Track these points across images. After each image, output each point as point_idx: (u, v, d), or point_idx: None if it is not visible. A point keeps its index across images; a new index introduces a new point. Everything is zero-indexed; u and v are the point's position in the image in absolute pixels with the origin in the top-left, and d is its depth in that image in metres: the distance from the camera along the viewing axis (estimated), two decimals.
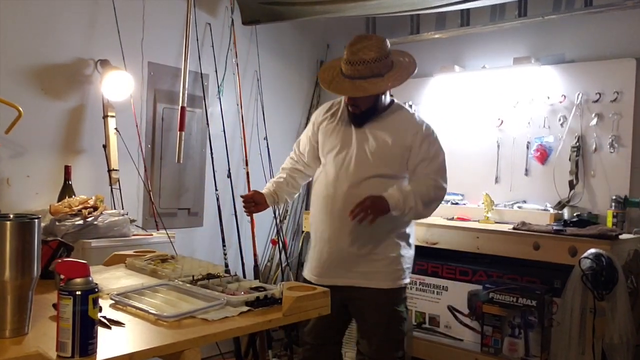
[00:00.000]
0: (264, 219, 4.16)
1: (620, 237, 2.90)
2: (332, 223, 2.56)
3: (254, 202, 2.73)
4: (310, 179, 2.82)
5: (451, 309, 3.45)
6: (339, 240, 2.55)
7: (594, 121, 3.38)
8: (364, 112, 2.52)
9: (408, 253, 2.62)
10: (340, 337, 2.80)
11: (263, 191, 2.77)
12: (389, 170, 2.51)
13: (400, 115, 2.59)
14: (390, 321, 2.57)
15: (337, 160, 2.57)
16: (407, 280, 2.62)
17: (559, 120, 3.52)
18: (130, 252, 2.29)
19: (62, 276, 1.26)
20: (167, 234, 3.07)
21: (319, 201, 2.63)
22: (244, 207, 2.76)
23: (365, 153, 2.51)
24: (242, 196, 2.78)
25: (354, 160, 2.52)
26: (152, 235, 3.05)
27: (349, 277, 2.55)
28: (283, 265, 4.11)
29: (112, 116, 3.22)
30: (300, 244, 4.40)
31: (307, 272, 2.73)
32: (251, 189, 4.08)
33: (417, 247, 3.43)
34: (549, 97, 3.56)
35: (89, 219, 2.69)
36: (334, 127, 2.62)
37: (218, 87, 3.84)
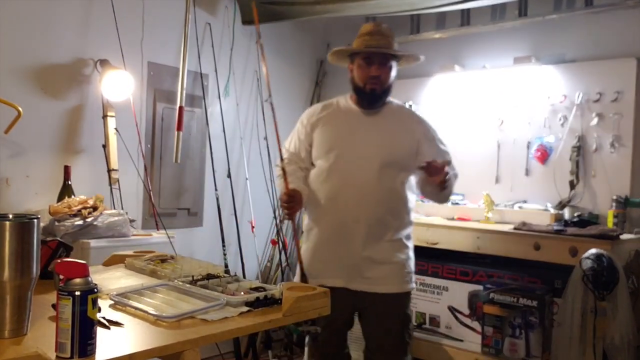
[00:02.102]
0: (264, 219, 4.16)
1: (621, 237, 2.90)
2: (345, 226, 2.48)
3: (295, 201, 2.45)
4: None
5: (452, 310, 3.45)
6: (351, 245, 2.48)
7: (595, 121, 3.38)
8: (384, 90, 2.51)
9: (413, 256, 2.62)
10: (346, 342, 2.76)
11: (295, 188, 2.49)
12: (400, 160, 2.49)
13: (398, 106, 2.66)
14: (402, 326, 2.55)
15: (344, 157, 2.49)
16: (414, 285, 2.62)
17: (560, 120, 3.52)
18: (130, 252, 2.29)
19: (61, 276, 1.26)
20: (167, 234, 3.06)
21: (327, 203, 2.52)
22: (286, 208, 2.46)
23: (376, 144, 2.47)
24: (285, 194, 2.45)
25: (364, 153, 2.47)
26: (151, 235, 3.05)
27: (361, 282, 2.50)
28: (283, 265, 4.11)
29: (112, 116, 3.21)
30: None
31: (313, 272, 2.54)
32: (250, 192, 4.12)
33: (417, 247, 3.44)
34: (549, 97, 3.56)
35: (89, 219, 2.69)
36: (335, 125, 2.56)
37: (218, 88, 3.84)
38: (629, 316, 2.64)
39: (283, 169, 2.48)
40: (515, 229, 3.18)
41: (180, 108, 3.50)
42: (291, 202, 2.42)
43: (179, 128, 3.48)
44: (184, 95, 3.53)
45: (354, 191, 2.46)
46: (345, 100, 2.62)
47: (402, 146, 2.49)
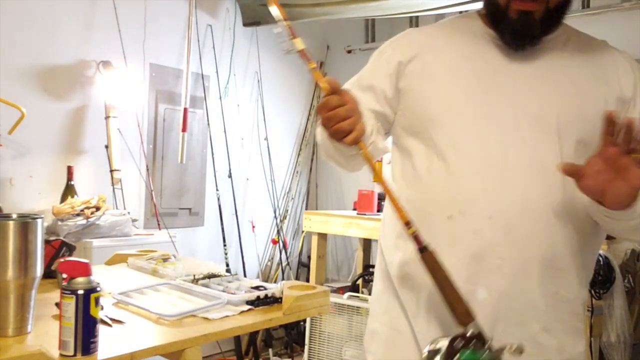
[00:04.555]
0: (264, 218, 4.18)
1: None
2: (478, 274, 1.19)
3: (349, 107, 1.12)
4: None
5: None
6: (489, 314, 1.17)
7: None
8: (551, 12, 1.21)
9: None
10: None
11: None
12: (593, 137, 1.14)
13: (578, 35, 1.32)
14: None
15: (486, 129, 1.21)
16: None
17: None
18: (132, 251, 2.30)
19: (64, 275, 1.27)
20: (169, 233, 3.09)
21: (443, 225, 1.22)
22: (337, 120, 1.11)
23: (549, 107, 1.21)
24: (327, 90, 1.12)
25: (527, 126, 1.20)
26: (153, 235, 3.07)
27: None
28: (283, 264, 4.13)
29: (114, 117, 3.24)
30: (301, 244, 4.42)
31: None
32: (251, 192, 4.14)
33: None
34: None
35: (91, 219, 2.71)
36: (455, 70, 1.27)
37: (219, 89, 3.86)
38: (625, 315, 2.65)
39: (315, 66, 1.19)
40: None
41: (185, 110, 3.52)
42: (343, 105, 1.11)
43: (184, 129, 3.51)
44: (188, 96, 3.56)
45: (505, 205, 1.18)
46: (471, 26, 1.31)
47: (597, 117, 1.11)
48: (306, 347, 3.56)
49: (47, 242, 1.91)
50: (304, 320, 3.61)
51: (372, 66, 1.38)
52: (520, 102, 1.22)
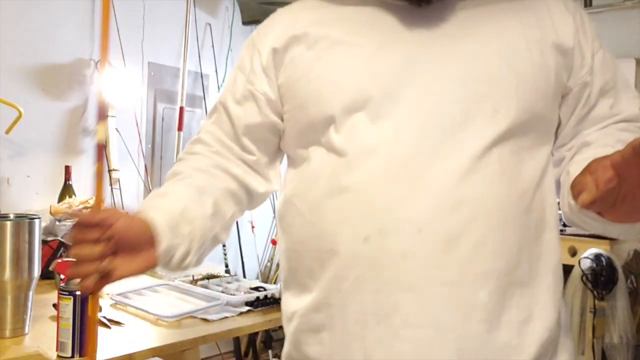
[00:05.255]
0: (264, 219, 4.17)
1: None
2: (441, 314, 0.86)
3: (119, 246, 0.89)
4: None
5: None
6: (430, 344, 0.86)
7: None
8: None
9: None
10: None
11: (154, 223, 0.93)
12: (536, 102, 0.95)
13: None
14: None
15: (399, 118, 0.91)
16: None
17: None
18: None
19: (62, 276, 1.26)
20: None
21: (359, 252, 0.89)
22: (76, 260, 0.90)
23: (477, 72, 0.93)
24: (80, 222, 0.89)
25: (453, 103, 0.91)
26: None
27: None
28: None
29: (112, 116, 3.22)
30: None
31: None
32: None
33: None
34: None
35: None
36: (353, 41, 0.96)
37: (218, 88, 3.85)
38: (627, 316, 2.65)
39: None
40: None
41: (181, 109, 3.51)
42: (91, 242, 0.88)
43: (180, 128, 3.49)
44: (185, 95, 3.55)
45: (437, 211, 0.87)
46: None
47: (536, 73, 0.96)
48: None
49: (44, 242, 1.90)
50: None
51: (244, 66, 1.09)
52: (438, 73, 0.92)
